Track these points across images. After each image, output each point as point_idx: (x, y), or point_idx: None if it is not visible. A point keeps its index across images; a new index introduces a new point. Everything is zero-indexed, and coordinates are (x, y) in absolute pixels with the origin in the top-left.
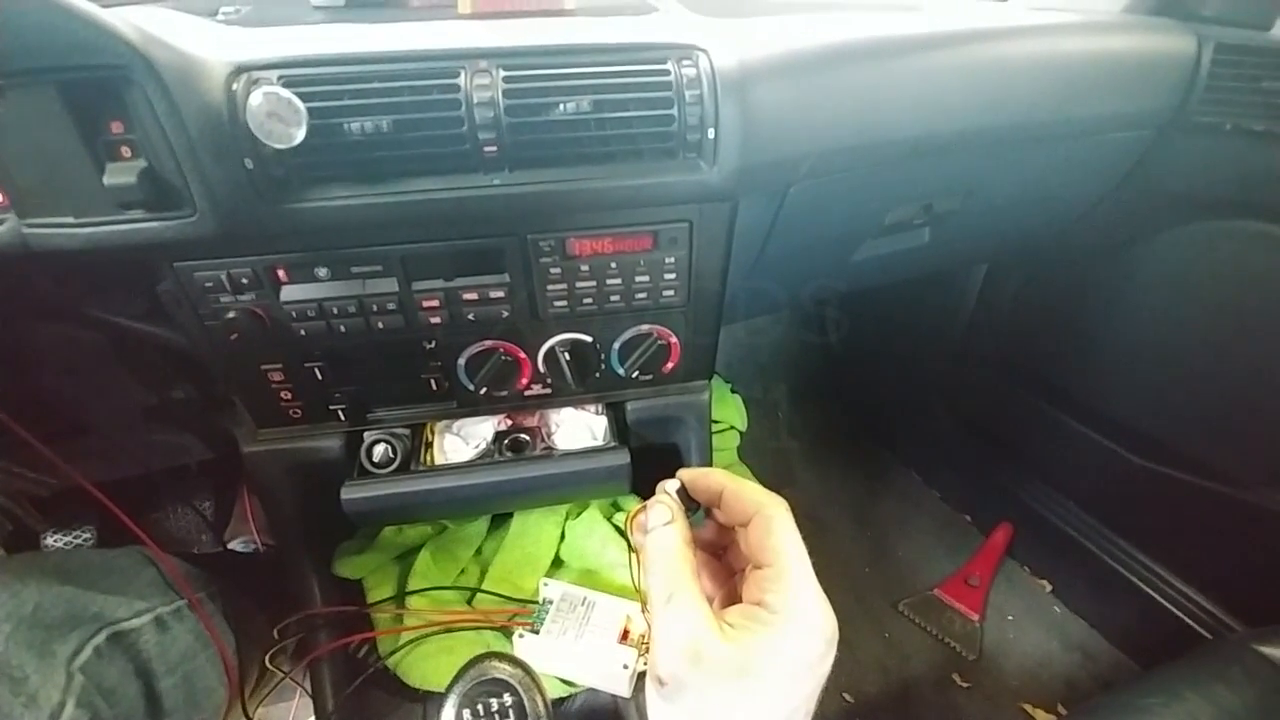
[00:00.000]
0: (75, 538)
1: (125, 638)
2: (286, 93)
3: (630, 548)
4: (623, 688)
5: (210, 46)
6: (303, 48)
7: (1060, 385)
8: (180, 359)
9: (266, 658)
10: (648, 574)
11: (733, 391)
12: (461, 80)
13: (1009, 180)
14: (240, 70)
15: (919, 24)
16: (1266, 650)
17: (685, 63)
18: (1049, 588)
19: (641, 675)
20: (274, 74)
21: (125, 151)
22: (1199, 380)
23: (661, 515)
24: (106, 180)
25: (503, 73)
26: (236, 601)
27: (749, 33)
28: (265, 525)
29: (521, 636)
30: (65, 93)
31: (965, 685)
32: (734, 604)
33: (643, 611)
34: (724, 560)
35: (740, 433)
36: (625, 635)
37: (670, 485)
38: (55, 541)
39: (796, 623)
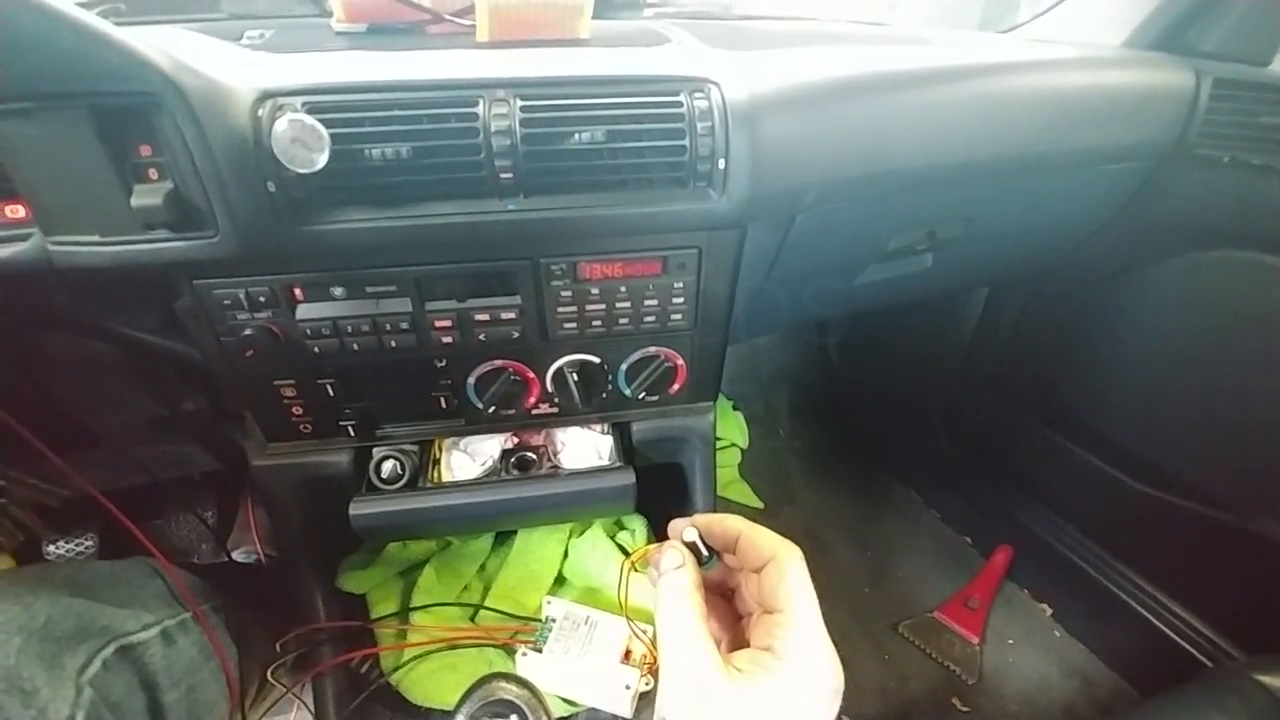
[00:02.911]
0: (77, 545)
1: (133, 651)
2: (311, 119)
3: (625, 569)
4: (625, 708)
5: (237, 73)
6: (326, 75)
7: (1060, 409)
8: (192, 372)
9: (269, 672)
10: (658, 615)
11: (734, 408)
12: (480, 109)
13: (1010, 208)
14: (266, 96)
15: (924, 58)
16: (1264, 679)
17: (697, 95)
18: (1049, 611)
19: (643, 696)
20: (298, 100)
21: (152, 174)
22: (1198, 407)
23: (673, 560)
24: (134, 202)
25: (520, 102)
26: (238, 613)
27: (759, 65)
28: (268, 536)
29: (525, 655)
30: (96, 117)
31: (965, 709)
32: (741, 648)
33: (634, 635)
34: (732, 604)
35: (741, 450)
36: (627, 655)
37: (688, 534)
38: (58, 549)
39: (803, 671)
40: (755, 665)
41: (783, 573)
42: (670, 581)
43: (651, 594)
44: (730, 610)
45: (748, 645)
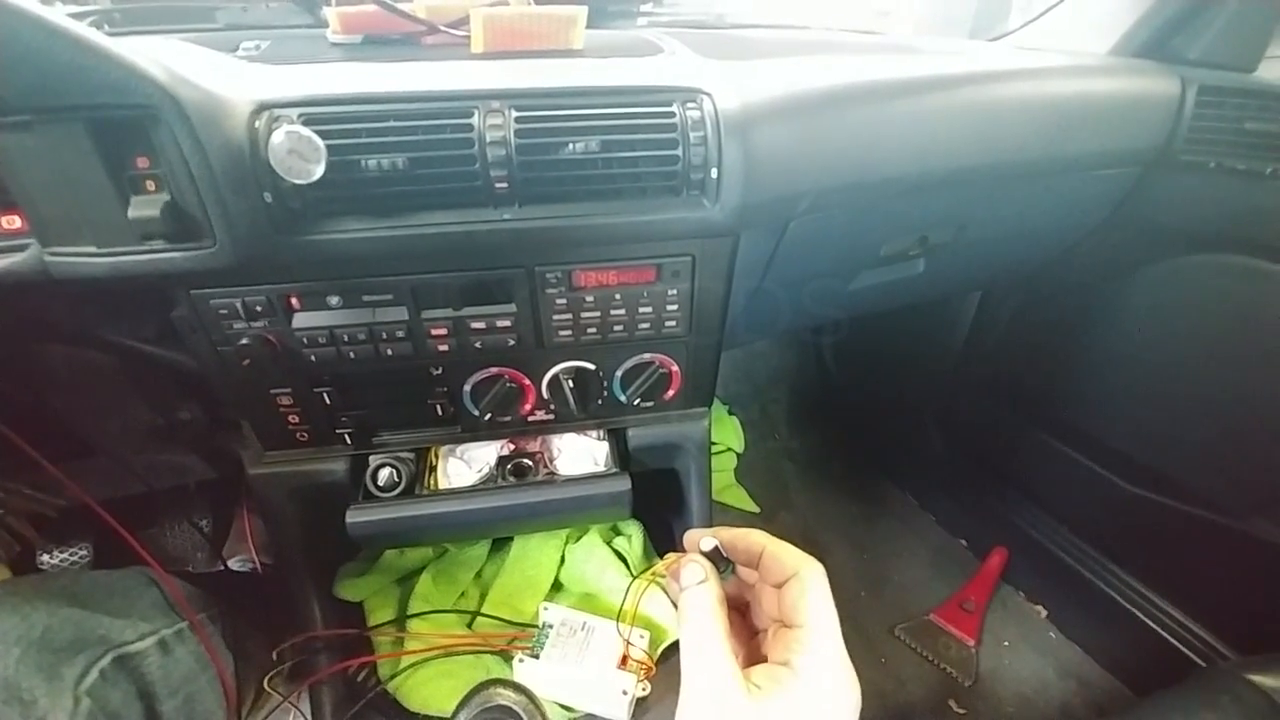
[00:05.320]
0: (72, 555)
1: (130, 660)
2: (307, 131)
3: (631, 574)
4: (621, 713)
5: (234, 85)
6: (323, 87)
7: (1053, 412)
8: (188, 381)
9: (265, 680)
10: (681, 629)
11: (730, 413)
12: (475, 120)
13: (1001, 214)
14: (263, 108)
15: (914, 67)
16: (1256, 678)
17: (690, 105)
18: (1044, 613)
19: (639, 701)
20: (295, 112)
21: (150, 185)
22: (1189, 409)
23: (695, 574)
24: (131, 213)
25: (515, 113)
26: (234, 622)
27: (751, 75)
28: (263, 544)
29: (521, 661)
30: (94, 129)
31: (961, 711)
32: (756, 662)
33: (625, 642)
34: (747, 618)
35: (737, 454)
36: (624, 660)
37: (706, 543)
38: (52, 559)
39: (822, 689)
40: (773, 681)
41: (804, 588)
42: (694, 597)
43: (659, 602)
44: (745, 625)
45: (763, 660)
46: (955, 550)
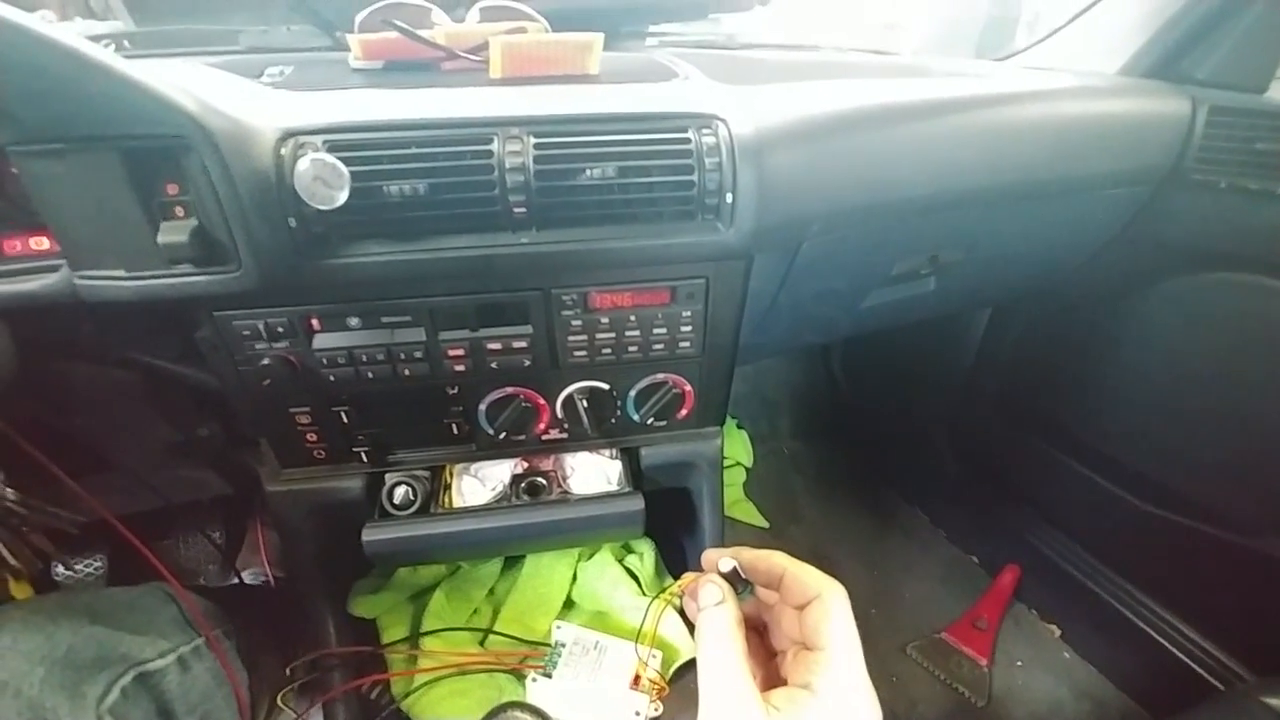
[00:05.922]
0: (87, 567)
1: (150, 678)
2: (332, 158)
3: (643, 593)
4: None
5: (260, 113)
6: (346, 114)
7: (1064, 428)
8: (208, 398)
9: (279, 696)
10: (699, 650)
11: (739, 427)
12: (494, 146)
13: (1011, 233)
14: (288, 136)
15: (925, 90)
16: (1273, 701)
17: (705, 131)
18: (1057, 632)
19: None
20: (320, 139)
21: (179, 211)
22: (1201, 426)
23: (713, 595)
24: (161, 239)
25: (533, 140)
26: (249, 638)
27: (764, 100)
28: (276, 557)
29: (534, 680)
30: (125, 157)
31: None
32: (775, 684)
33: (642, 662)
34: (765, 639)
35: (746, 469)
36: (637, 680)
37: (724, 564)
38: (68, 571)
39: (841, 711)
40: (793, 704)
41: (826, 610)
42: (712, 618)
43: (672, 622)
44: (763, 646)
45: (782, 682)
46: (967, 567)
